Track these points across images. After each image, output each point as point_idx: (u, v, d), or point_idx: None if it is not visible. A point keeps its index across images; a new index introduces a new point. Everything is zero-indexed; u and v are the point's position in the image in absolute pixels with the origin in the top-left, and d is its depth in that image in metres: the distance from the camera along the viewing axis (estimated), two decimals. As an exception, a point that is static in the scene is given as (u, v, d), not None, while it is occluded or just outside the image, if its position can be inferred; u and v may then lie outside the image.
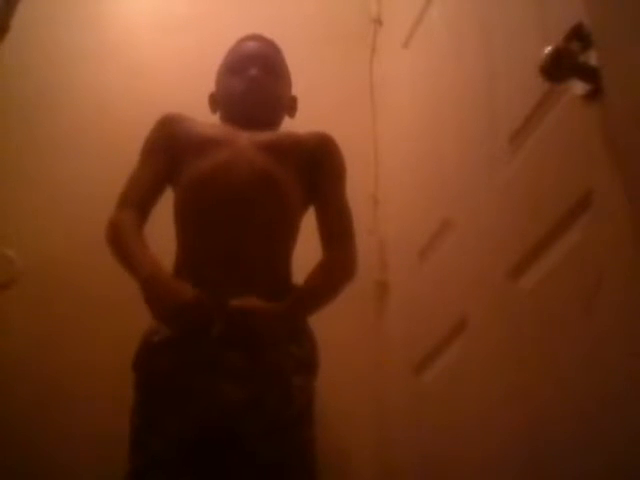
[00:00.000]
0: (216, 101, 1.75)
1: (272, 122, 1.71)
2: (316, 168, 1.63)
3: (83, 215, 1.98)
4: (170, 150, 1.63)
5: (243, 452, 1.35)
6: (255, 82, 1.66)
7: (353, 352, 1.89)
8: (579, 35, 1.11)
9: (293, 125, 1.76)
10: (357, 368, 1.89)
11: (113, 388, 1.61)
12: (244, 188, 1.52)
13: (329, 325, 1.61)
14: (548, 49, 1.08)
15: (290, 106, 1.78)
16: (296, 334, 1.48)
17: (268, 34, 1.79)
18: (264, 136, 1.63)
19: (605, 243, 1.05)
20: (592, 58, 1.08)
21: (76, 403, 1.76)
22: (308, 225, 1.64)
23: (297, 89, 1.81)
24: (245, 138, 1.61)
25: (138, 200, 1.58)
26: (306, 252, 1.58)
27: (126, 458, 1.38)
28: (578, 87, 1.11)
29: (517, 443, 1.22)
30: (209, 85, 1.79)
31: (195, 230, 1.53)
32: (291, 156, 1.61)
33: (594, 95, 1.08)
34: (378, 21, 2.29)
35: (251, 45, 1.74)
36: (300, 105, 1.81)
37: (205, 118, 1.75)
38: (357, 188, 1.79)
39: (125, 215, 1.55)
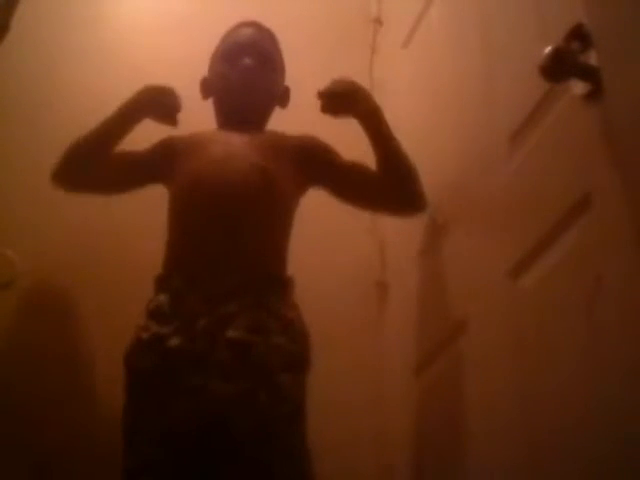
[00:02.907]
0: (208, 87, 1.75)
1: (263, 112, 1.72)
2: (310, 157, 1.64)
3: (83, 215, 1.97)
4: (162, 157, 1.66)
5: (232, 450, 1.34)
6: (248, 72, 1.66)
7: (353, 352, 1.89)
8: (579, 35, 1.11)
9: (294, 126, 1.75)
10: (357, 368, 1.89)
11: (113, 388, 1.61)
12: (239, 183, 1.53)
13: (329, 325, 1.61)
14: (548, 49, 1.08)
15: (283, 96, 1.77)
16: (288, 328, 1.45)
17: (268, 34, 1.79)
18: (258, 136, 1.64)
19: (605, 243, 1.05)
20: (592, 58, 1.08)
21: (76, 403, 1.76)
22: (302, 220, 1.64)
23: (296, 89, 1.81)
24: (238, 138, 1.62)
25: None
26: (302, 248, 1.58)
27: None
28: (578, 87, 1.11)
29: (517, 443, 1.22)
30: (209, 85, 1.79)
31: (188, 227, 1.53)
32: (285, 151, 1.62)
33: (594, 95, 1.08)
34: (378, 21, 2.29)
35: (246, 33, 1.73)
36: (300, 105, 1.80)
37: (205, 118, 1.75)
38: (357, 188, 1.79)
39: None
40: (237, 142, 1.61)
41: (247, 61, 1.66)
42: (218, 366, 1.37)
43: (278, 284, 1.49)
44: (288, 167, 1.59)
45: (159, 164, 1.64)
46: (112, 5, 2.32)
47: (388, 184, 1.58)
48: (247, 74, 1.66)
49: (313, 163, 1.63)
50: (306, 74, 1.89)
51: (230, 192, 1.52)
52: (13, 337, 1.82)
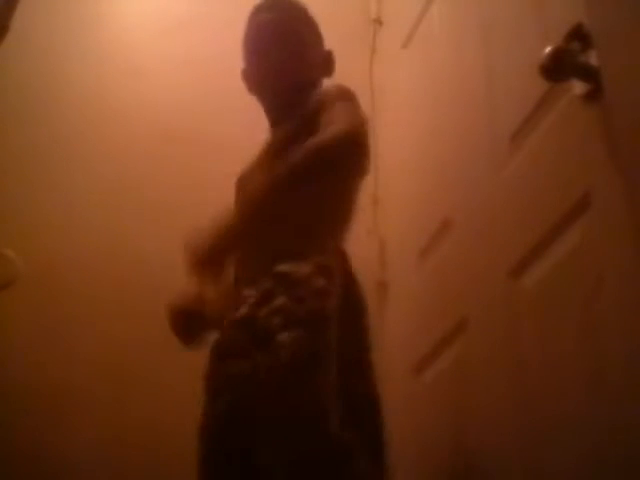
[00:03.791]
0: (247, 81, 1.65)
1: (299, 96, 1.57)
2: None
3: (83, 215, 1.98)
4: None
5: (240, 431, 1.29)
6: (273, 69, 1.58)
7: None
8: (579, 35, 1.11)
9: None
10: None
11: (113, 387, 1.61)
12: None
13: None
14: (548, 49, 1.08)
15: (325, 64, 1.65)
16: (294, 288, 1.35)
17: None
18: (277, 140, 1.54)
19: (605, 243, 1.05)
20: (592, 58, 1.08)
21: (76, 402, 1.76)
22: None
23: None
24: (260, 160, 1.55)
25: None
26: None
27: (124, 458, 1.38)
28: (578, 87, 1.11)
29: (517, 442, 1.22)
30: (208, 86, 1.80)
31: None
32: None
33: (594, 95, 1.08)
34: (378, 21, 2.29)
35: (264, 20, 1.62)
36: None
37: (204, 117, 1.75)
38: (357, 188, 1.79)
39: None
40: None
41: (276, 53, 1.56)
42: (233, 347, 1.35)
43: (291, 254, 1.38)
44: None
45: None
46: (111, 6, 2.32)
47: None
48: (271, 70, 1.58)
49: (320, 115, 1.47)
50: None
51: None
52: (13, 337, 1.82)
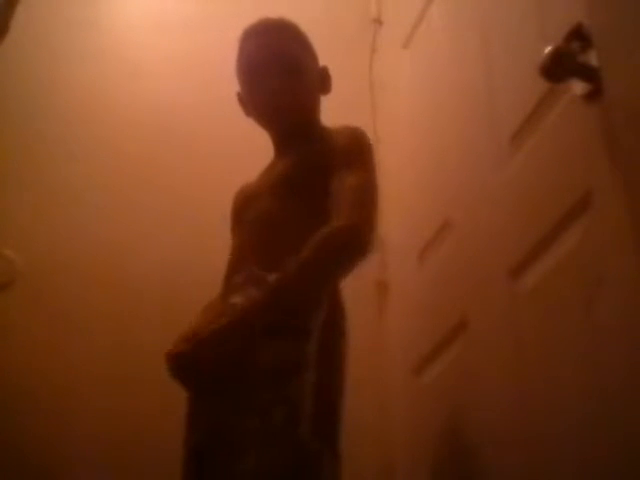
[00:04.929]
0: (245, 106, 1.62)
1: (306, 119, 1.58)
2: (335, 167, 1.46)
3: (83, 215, 1.98)
4: (235, 222, 1.59)
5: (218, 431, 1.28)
6: (274, 101, 1.53)
7: (353, 352, 1.89)
8: (579, 35, 1.11)
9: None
10: (357, 368, 1.88)
11: (113, 387, 1.61)
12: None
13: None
14: (548, 49, 1.08)
15: (322, 84, 1.61)
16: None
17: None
18: (286, 166, 1.52)
19: (605, 243, 1.05)
20: (592, 58, 1.08)
21: (76, 402, 1.76)
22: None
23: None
24: (268, 182, 1.53)
25: (224, 281, 1.51)
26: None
27: (125, 457, 1.38)
28: (578, 87, 1.11)
29: (517, 442, 1.22)
30: (208, 86, 1.80)
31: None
32: (308, 182, 1.47)
33: (594, 95, 1.08)
34: (378, 21, 2.29)
35: (258, 46, 1.57)
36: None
37: (203, 118, 1.75)
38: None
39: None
40: (260, 209, 1.50)
41: (272, 83, 1.51)
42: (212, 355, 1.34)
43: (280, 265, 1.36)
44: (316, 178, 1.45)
45: (237, 223, 1.58)
46: (111, 6, 2.32)
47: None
48: (274, 98, 1.53)
49: (335, 160, 1.46)
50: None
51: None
52: (13, 337, 1.82)
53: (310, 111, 1.59)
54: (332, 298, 1.42)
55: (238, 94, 1.62)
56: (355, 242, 1.32)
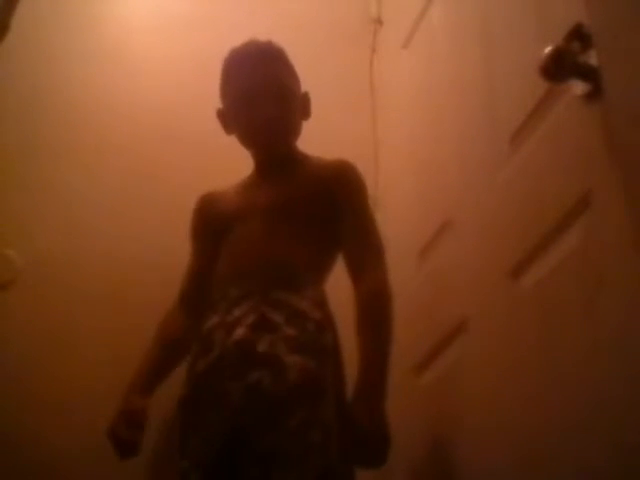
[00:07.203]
0: (228, 124, 1.64)
1: (291, 143, 1.63)
2: (335, 203, 1.54)
3: (83, 215, 1.98)
4: (207, 235, 1.61)
5: (250, 446, 1.28)
6: (271, 123, 1.55)
7: (353, 353, 1.89)
8: (579, 35, 1.11)
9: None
10: (357, 368, 1.88)
11: (113, 387, 1.61)
12: (254, 276, 1.46)
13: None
14: (548, 49, 1.08)
15: (304, 109, 1.64)
16: (298, 319, 1.39)
17: (268, 35, 1.78)
18: (279, 193, 1.55)
19: (605, 243, 1.05)
20: (592, 58, 1.08)
21: (76, 402, 1.76)
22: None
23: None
24: (260, 205, 1.55)
25: (184, 295, 1.61)
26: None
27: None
28: (578, 87, 1.11)
29: (517, 442, 1.22)
30: (208, 86, 1.78)
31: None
32: (304, 211, 1.53)
33: (594, 95, 1.08)
34: (378, 21, 2.29)
35: (252, 69, 1.57)
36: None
37: (203, 117, 1.75)
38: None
39: (171, 311, 1.61)
40: (256, 221, 1.53)
41: (267, 109, 1.53)
42: (231, 369, 1.36)
43: (286, 280, 1.45)
44: (310, 226, 1.52)
45: (208, 239, 1.60)
46: (111, 6, 2.32)
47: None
48: (272, 126, 1.56)
49: (334, 196, 1.54)
50: (306, 74, 1.89)
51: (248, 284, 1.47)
52: (13, 337, 1.82)
53: (296, 137, 1.63)
54: (324, 307, 1.47)
55: (218, 111, 1.64)
56: (390, 302, 1.53)
